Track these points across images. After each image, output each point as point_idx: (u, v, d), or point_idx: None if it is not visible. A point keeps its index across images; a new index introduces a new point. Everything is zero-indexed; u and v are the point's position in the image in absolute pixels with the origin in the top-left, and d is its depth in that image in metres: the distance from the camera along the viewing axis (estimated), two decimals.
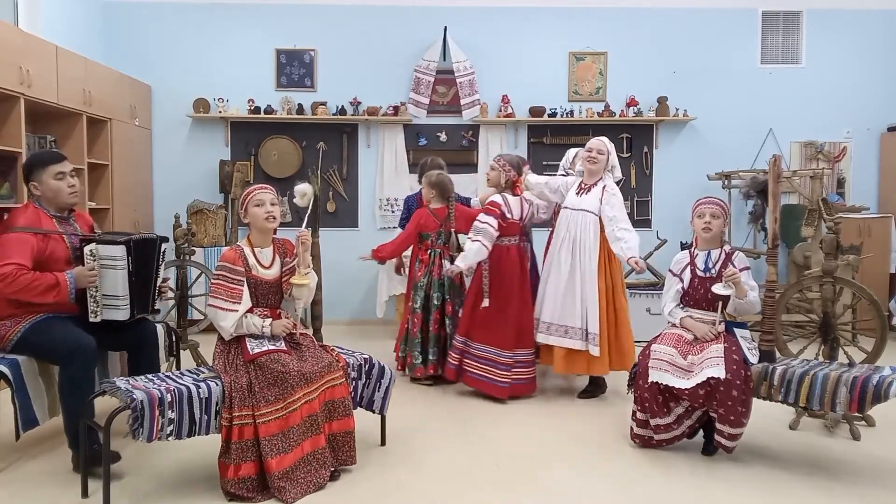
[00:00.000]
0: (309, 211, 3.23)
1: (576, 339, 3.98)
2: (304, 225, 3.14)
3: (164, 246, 3.34)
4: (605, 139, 4.10)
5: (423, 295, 4.40)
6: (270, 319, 2.99)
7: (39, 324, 2.97)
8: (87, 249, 3.01)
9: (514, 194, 4.22)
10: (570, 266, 4.00)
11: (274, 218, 3.03)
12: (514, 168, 4.19)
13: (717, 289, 3.18)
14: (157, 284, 3.32)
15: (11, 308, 2.99)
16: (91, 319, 3.05)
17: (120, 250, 3.04)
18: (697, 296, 3.32)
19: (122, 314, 3.08)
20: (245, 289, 2.93)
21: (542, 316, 4.10)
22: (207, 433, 2.77)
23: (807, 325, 4.10)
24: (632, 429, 3.36)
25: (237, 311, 2.89)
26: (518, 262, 4.15)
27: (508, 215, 4.10)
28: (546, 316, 4.07)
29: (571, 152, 4.52)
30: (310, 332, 3.36)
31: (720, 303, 3.22)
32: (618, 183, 4.14)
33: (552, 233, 4.25)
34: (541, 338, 4.09)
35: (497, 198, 4.12)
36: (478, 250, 3.99)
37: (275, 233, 3.11)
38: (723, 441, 3.06)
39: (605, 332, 3.96)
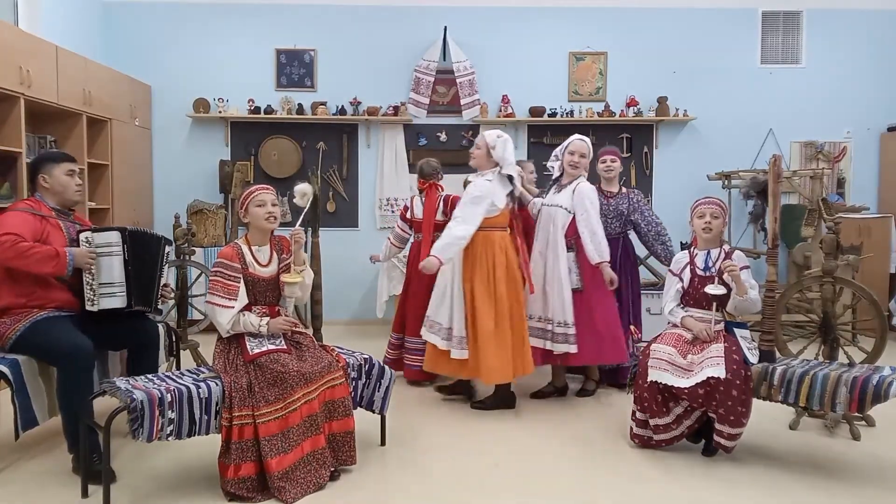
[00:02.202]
0: (305, 209, 3.22)
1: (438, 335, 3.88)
2: (297, 223, 3.14)
3: (168, 248, 3.39)
4: (488, 133, 3.94)
5: None
6: (268, 318, 3.00)
7: (39, 323, 2.98)
8: (82, 237, 3.08)
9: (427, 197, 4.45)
10: None
11: (275, 218, 3.04)
12: (420, 175, 4.51)
13: (710, 289, 3.18)
14: (161, 284, 3.35)
15: (12, 296, 2.99)
16: (88, 308, 3.08)
17: (115, 236, 3.11)
18: (697, 295, 3.32)
19: (119, 301, 3.11)
20: (241, 286, 2.94)
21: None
22: (207, 433, 2.77)
23: (807, 325, 4.10)
24: (631, 429, 3.36)
25: (233, 307, 2.90)
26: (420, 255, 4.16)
27: (409, 215, 4.55)
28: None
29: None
30: (310, 332, 3.36)
31: (716, 303, 3.22)
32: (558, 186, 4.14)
33: None
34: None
35: (408, 201, 4.62)
36: (387, 247, 4.70)
37: (272, 232, 3.12)
38: (722, 441, 3.06)
39: (470, 333, 3.77)
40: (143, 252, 3.24)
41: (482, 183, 3.83)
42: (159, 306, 3.40)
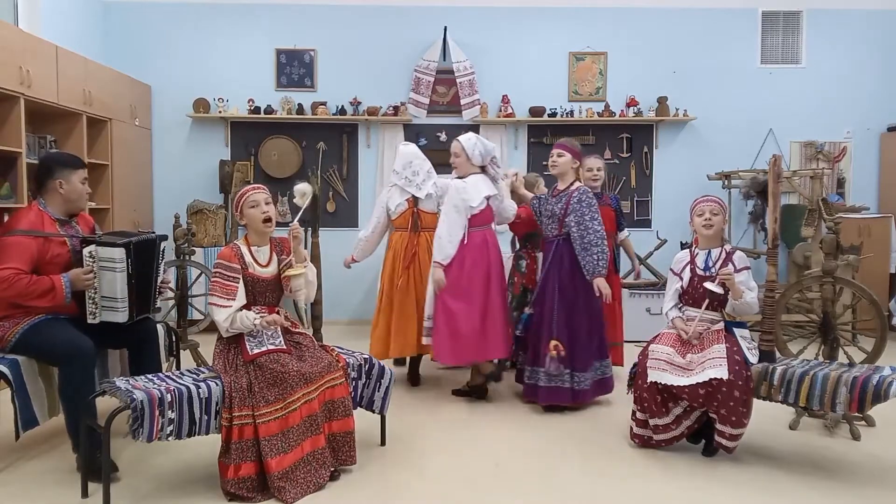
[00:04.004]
0: (304, 207, 3.22)
1: None
2: (295, 219, 3.14)
3: (163, 244, 3.35)
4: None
5: None
6: (264, 313, 2.99)
7: (38, 325, 2.97)
8: (86, 251, 3.01)
9: None
10: None
11: (270, 219, 3.04)
12: None
13: (709, 285, 3.19)
14: (158, 282, 3.32)
15: (10, 308, 2.99)
16: (89, 321, 3.05)
17: (119, 253, 3.02)
18: (697, 295, 3.32)
19: (121, 316, 3.07)
20: (240, 286, 2.93)
21: None
22: (207, 433, 2.77)
23: (807, 325, 4.10)
24: (631, 429, 3.37)
25: (231, 307, 2.89)
26: None
27: None
28: None
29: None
30: (309, 332, 3.36)
31: (710, 300, 3.22)
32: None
33: None
34: None
35: None
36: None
37: (272, 232, 3.11)
38: (724, 442, 3.07)
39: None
40: (145, 261, 3.19)
41: (382, 191, 4.53)
42: (157, 304, 3.39)
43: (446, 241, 3.90)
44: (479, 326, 3.90)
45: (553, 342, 3.76)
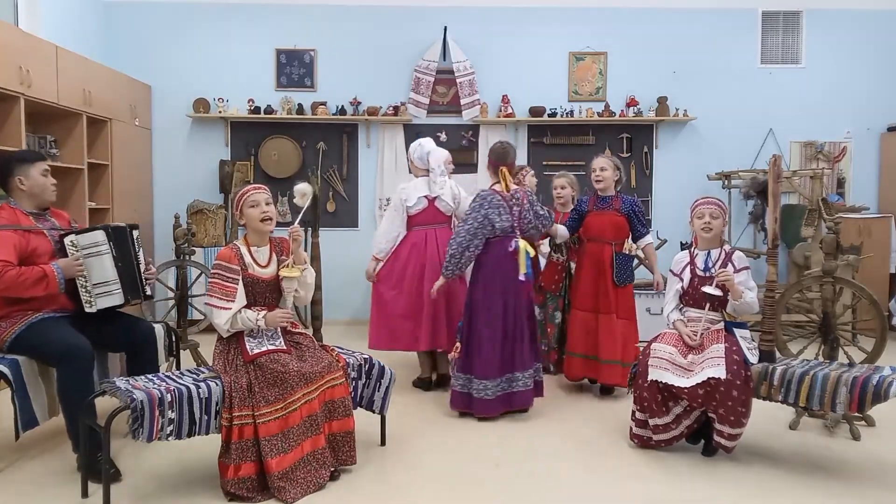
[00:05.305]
0: (304, 208, 3.22)
1: None
2: (296, 222, 3.14)
3: (135, 232, 3.35)
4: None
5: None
6: (265, 311, 2.98)
7: (36, 324, 2.98)
8: (67, 241, 3.05)
9: None
10: None
11: (270, 218, 3.03)
12: None
13: (707, 289, 3.19)
14: (141, 270, 3.32)
15: (7, 307, 2.99)
16: (87, 310, 3.07)
17: (100, 235, 3.10)
18: (697, 295, 3.32)
19: (117, 299, 3.13)
20: (240, 287, 2.92)
21: None
22: (207, 433, 2.77)
23: (807, 325, 4.11)
24: (631, 429, 3.37)
25: (231, 308, 2.88)
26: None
27: None
28: None
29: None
30: (309, 331, 3.36)
31: (711, 303, 3.22)
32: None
33: None
34: None
35: None
36: None
37: (272, 232, 3.11)
38: (722, 441, 3.07)
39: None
40: (123, 246, 3.23)
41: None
42: (148, 292, 3.39)
43: (381, 237, 4.25)
44: (411, 317, 4.12)
45: (457, 344, 3.77)
